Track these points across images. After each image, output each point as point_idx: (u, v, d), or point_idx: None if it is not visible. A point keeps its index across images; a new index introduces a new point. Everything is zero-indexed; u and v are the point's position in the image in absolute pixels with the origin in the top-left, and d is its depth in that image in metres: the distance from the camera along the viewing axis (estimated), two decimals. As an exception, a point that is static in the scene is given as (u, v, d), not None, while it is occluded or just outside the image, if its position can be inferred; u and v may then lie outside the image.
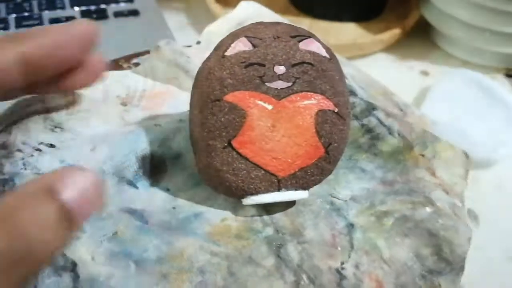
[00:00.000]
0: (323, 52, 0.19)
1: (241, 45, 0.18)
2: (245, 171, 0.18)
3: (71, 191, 0.14)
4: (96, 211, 0.15)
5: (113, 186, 0.20)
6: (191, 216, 0.20)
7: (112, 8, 0.40)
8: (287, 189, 0.19)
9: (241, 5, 0.30)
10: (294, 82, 0.18)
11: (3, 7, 0.39)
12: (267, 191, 0.19)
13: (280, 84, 0.18)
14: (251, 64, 0.18)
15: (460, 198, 0.22)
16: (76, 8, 0.40)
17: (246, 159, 0.18)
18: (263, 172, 0.18)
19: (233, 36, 0.19)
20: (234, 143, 0.18)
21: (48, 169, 0.20)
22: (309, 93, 0.18)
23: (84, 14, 0.39)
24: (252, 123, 0.18)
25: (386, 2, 0.45)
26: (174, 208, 0.20)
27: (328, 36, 0.41)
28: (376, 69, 0.40)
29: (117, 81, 0.24)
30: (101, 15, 0.39)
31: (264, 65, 0.18)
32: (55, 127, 0.22)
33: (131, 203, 0.20)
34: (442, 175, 0.22)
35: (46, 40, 0.18)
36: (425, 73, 0.40)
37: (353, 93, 0.23)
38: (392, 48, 0.42)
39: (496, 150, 0.32)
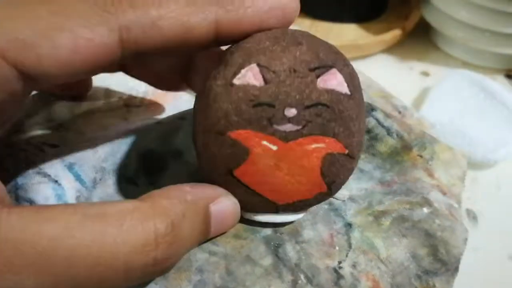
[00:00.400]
0: (344, 88, 0.17)
1: (252, 78, 0.16)
2: (243, 194, 0.18)
3: (218, 208, 0.17)
4: (221, 233, 0.18)
5: (113, 184, 0.20)
6: (190, 215, 0.20)
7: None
8: (284, 213, 0.19)
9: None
10: (304, 126, 0.17)
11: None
12: (264, 213, 0.18)
13: (289, 127, 0.17)
14: (260, 104, 0.16)
15: (457, 199, 0.22)
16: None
17: (247, 186, 0.18)
18: (262, 198, 0.18)
19: (245, 56, 0.17)
20: (235, 172, 0.17)
21: (50, 168, 0.20)
22: (319, 136, 0.17)
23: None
24: (255, 159, 0.17)
25: (386, 3, 0.45)
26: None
27: (328, 36, 0.41)
28: (377, 69, 0.40)
29: (119, 83, 0.25)
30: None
31: (274, 106, 0.16)
32: (59, 127, 0.22)
33: (131, 202, 0.20)
34: (440, 176, 0.23)
35: (251, 15, 0.16)
36: (425, 74, 0.41)
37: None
38: (392, 49, 0.42)
39: (496, 151, 0.32)
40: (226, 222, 0.18)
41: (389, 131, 0.23)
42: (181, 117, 0.22)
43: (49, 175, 0.20)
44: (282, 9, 0.17)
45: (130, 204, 0.15)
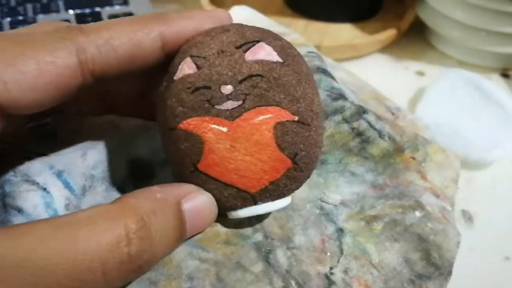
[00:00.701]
0: (275, 57, 0.18)
1: (186, 68, 0.18)
2: (217, 191, 0.18)
3: (191, 204, 0.17)
4: (201, 232, 0.18)
5: (102, 192, 0.20)
6: (180, 222, 0.20)
7: (106, 11, 0.40)
8: (264, 202, 0.18)
9: (233, 9, 0.29)
10: (244, 100, 0.17)
11: (-2, 11, 0.39)
12: (244, 206, 0.18)
13: (230, 105, 0.17)
14: (197, 89, 0.17)
15: (451, 201, 0.22)
16: (71, 11, 0.40)
17: (216, 179, 0.18)
18: (235, 189, 0.18)
19: (181, 55, 0.18)
20: (200, 167, 0.18)
21: (38, 175, 0.20)
22: (262, 107, 0.17)
23: (79, 17, 0.39)
24: (211, 146, 0.17)
25: (381, 3, 0.45)
26: (163, 214, 0.20)
27: (323, 37, 0.41)
28: (372, 69, 0.40)
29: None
30: (96, 18, 0.39)
31: (210, 88, 0.17)
32: (47, 134, 0.22)
33: (121, 209, 0.20)
34: (433, 178, 0.22)
35: (189, 24, 0.18)
36: (420, 74, 0.40)
37: (343, 96, 0.23)
38: (387, 48, 0.42)
39: (491, 151, 0.32)
40: (202, 217, 0.18)
41: (380, 134, 0.23)
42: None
43: (37, 183, 0.20)
44: (216, 17, 0.19)
45: (100, 207, 0.16)
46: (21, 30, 0.18)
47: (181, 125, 0.17)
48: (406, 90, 0.38)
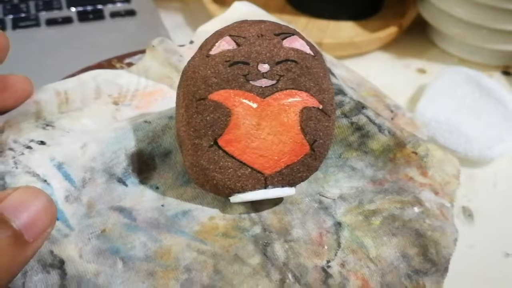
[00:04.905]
0: (307, 50, 0.19)
1: (225, 44, 0.19)
2: (231, 169, 0.18)
3: (22, 217, 0.15)
4: (49, 231, 0.16)
5: (102, 184, 0.20)
6: (179, 214, 0.20)
7: (108, 8, 0.40)
8: (274, 186, 0.19)
9: (234, 5, 0.30)
10: (278, 80, 0.18)
11: (0, 8, 0.40)
12: (254, 188, 0.19)
13: (264, 82, 0.18)
14: (236, 63, 0.18)
15: (451, 198, 0.22)
16: (73, 9, 0.40)
17: (233, 157, 0.18)
18: (249, 170, 0.18)
19: (217, 35, 0.19)
20: (220, 141, 0.18)
21: (39, 167, 0.20)
22: (293, 90, 0.19)
23: (81, 14, 0.40)
24: (237, 121, 0.18)
25: (383, 1, 0.45)
26: (162, 205, 0.20)
27: (325, 35, 0.41)
28: (373, 67, 0.40)
29: (110, 81, 0.25)
30: (98, 15, 0.40)
31: (248, 64, 0.18)
32: (47, 125, 0.22)
33: (120, 201, 0.20)
34: (434, 174, 0.22)
35: None
36: (422, 71, 0.40)
37: (342, 92, 0.23)
38: (389, 46, 0.42)
39: (492, 148, 0.32)
40: (42, 221, 0.16)
41: (380, 128, 0.23)
42: (169, 116, 0.22)
43: (37, 175, 0.20)
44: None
45: None
46: None
47: (212, 95, 0.18)
48: (407, 88, 0.38)
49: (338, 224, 0.20)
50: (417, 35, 0.43)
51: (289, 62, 0.19)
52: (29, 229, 0.15)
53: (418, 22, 0.43)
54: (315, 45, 0.20)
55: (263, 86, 0.18)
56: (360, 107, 0.23)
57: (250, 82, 0.18)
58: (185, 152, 0.19)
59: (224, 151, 0.18)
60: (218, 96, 0.18)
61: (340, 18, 0.43)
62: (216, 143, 0.18)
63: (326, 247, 0.19)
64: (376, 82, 0.29)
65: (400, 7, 0.44)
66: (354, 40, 0.40)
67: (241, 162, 0.18)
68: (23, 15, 0.39)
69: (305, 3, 0.43)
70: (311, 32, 0.40)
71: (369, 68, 0.38)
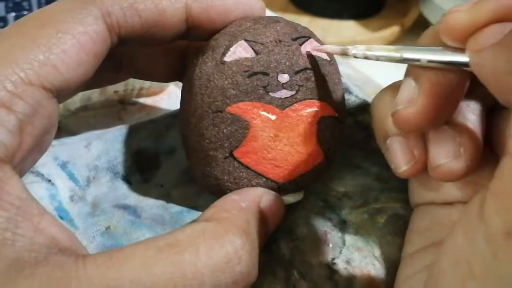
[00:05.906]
0: (324, 55, 0.19)
1: (242, 51, 0.17)
2: (246, 179, 0.18)
3: (267, 206, 0.17)
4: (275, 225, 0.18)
5: (107, 182, 0.20)
6: (184, 211, 0.20)
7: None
8: (286, 194, 0.19)
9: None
10: (297, 90, 0.18)
11: (2, 6, 0.40)
12: None
13: (284, 93, 0.17)
14: (255, 74, 0.17)
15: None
16: (76, 7, 0.40)
17: (248, 168, 0.18)
18: (264, 179, 0.18)
19: (230, 37, 0.18)
20: (236, 153, 0.17)
21: (43, 166, 0.20)
22: (311, 100, 0.18)
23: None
24: (255, 133, 0.17)
25: (385, 0, 0.45)
26: (167, 202, 0.20)
27: (327, 33, 0.41)
28: (375, 66, 0.40)
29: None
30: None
31: (268, 74, 0.17)
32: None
33: (125, 199, 0.20)
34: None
35: (217, 4, 0.18)
36: (424, 71, 0.40)
37: (347, 90, 0.23)
38: (391, 45, 0.42)
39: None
40: (278, 214, 0.18)
41: (385, 128, 0.23)
42: (173, 115, 0.22)
43: (42, 174, 0.20)
44: (248, 5, 0.18)
45: (198, 226, 0.15)
46: (38, 11, 0.17)
47: (230, 108, 0.17)
48: (410, 87, 0.38)
49: (343, 222, 0.20)
50: (419, 35, 0.43)
51: (308, 71, 0.18)
52: (271, 219, 0.18)
53: (420, 21, 0.43)
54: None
55: (282, 98, 0.17)
56: (365, 105, 0.23)
57: (270, 93, 0.17)
58: (195, 161, 0.18)
59: (240, 162, 0.18)
60: (236, 108, 0.17)
61: (342, 17, 0.43)
62: (231, 154, 0.17)
63: (331, 245, 0.19)
64: (379, 81, 0.29)
65: (402, 6, 0.44)
66: (356, 39, 0.40)
67: (256, 172, 0.18)
68: (25, 12, 0.39)
69: (308, 2, 0.43)
70: (314, 31, 0.40)
71: (371, 67, 0.38)
